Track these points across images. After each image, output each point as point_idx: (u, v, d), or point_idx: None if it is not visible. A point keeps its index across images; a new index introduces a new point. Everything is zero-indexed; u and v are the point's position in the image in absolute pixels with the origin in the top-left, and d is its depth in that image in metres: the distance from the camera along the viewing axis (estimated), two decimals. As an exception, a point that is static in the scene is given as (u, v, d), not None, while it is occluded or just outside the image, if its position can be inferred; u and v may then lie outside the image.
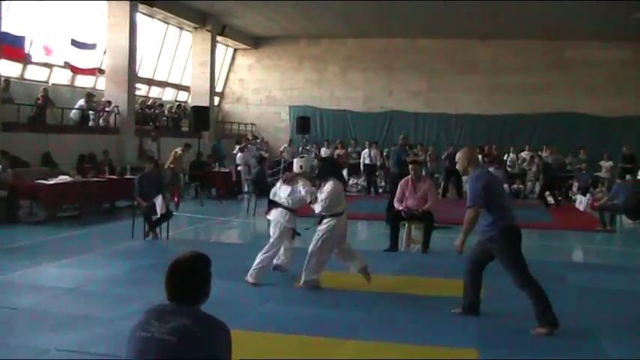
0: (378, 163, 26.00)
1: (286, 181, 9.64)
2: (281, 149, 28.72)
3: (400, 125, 29.69)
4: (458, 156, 7.81)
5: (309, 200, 9.39)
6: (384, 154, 26.23)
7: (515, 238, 7.43)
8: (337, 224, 9.12)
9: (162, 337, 3.28)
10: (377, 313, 7.94)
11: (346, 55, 31.56)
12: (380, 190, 25.30)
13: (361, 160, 26.07)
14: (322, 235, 9.10)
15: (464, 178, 7.68)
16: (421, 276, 10.17)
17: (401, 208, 12.45)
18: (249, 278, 9.26)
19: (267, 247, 9.50)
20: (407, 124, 29.84)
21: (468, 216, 7.34)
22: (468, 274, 7.72)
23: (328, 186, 9.16)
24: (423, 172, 13.57)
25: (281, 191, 9.67)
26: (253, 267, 9.32)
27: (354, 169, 26.62)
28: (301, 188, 9.45)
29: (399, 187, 12.75)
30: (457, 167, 7.88)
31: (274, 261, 9.66)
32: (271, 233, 9.59)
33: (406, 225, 12.76)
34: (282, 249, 9.73)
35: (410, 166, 12.97)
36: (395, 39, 30.49)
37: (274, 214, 9.60)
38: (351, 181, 25.94)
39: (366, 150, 25.94)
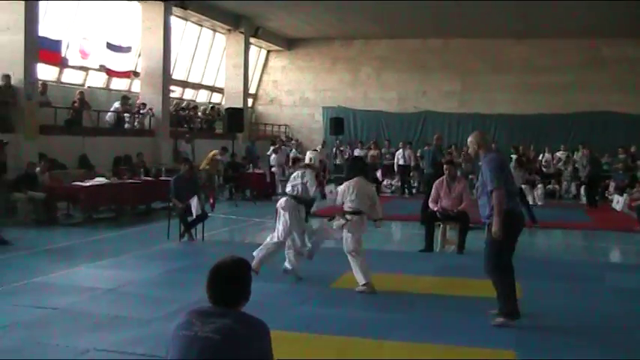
0: (412, 164, 25.92)
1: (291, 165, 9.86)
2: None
3: (434, 126, 29.49)
4: (469, 139, 7.78)
5: (313, 190, 9.54)
6: (418, 154, 26.14)
7: (512, 223, 7.34)
8: (356, 222, 9.15)
9: (205, 336, 3.34)
10: (414, 314, 7.91)
11: (380, 56, 31.51)
12: (414, 191, 25.23)
13: (395, 161, 26.01)
14: (351, 238, 9.10)
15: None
16: (457, 277, 10.11)
17: (436, 208, 12.40)
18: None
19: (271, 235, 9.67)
20: (441, 125, 29.63)
21: (498, 198, 7.23)
22: None
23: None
24: (458, 173, 13.51)
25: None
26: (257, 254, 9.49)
27: (388, 170, 26.56)
28: (306, 179, 9.56)
29: (433, 187, 12.71)
30: (469, 152, 7.90)
31: (285, 263, 9.63)
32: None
33: (441, 226, 12.72)
34: (290, 251, 9.62)
35: (444, 166, 12.90)
36: (429, 39, 30.44)
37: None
38: (385, 182, 25.91)
39: (400, 151, 25.88)
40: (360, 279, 8.95)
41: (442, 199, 12.42)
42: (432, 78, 30.67)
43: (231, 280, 3.54)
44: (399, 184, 25.67)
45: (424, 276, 10.14)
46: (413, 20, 26.81)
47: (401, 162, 25.66)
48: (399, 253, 12.70)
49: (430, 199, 12.68)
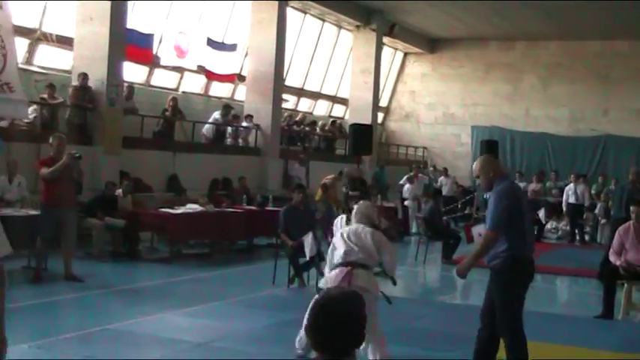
0: (587, 203, 25.27)
1: None
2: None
3: (618, 154, 28.94)
4: (477, 166, 7.74)
5: None
6: (594, 191, 25.50)
7: (523, 272, 7.42)
8: None
9: None
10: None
11: (548, 62, 31.16)
12: (587, 238, 24.62)
13: (564, 198, 25.40)
14: None
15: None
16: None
17: (619, 262, 12.04)
18: (297, 344, 8.62)
19: None
20: (626, 154, 28.98)
21: (486, 240, 7.36)
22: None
23: None
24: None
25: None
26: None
27: (554, 209, 26.00)
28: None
29: (616, 235, 12.35)
30: (480, 183, 7.91)
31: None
32: None
33: (625, 285, 12.33)
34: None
35: (631, 207, 12.51)
36: (613, 41, 29.82)
37: None
38: (549, 225, 25.39)
39: (571, 185, 25.23)
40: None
41: (628, 250, 12.04)
42: (617, 91, 30.05)
43: (347, 318, 3.41)
44: (568, 227, 25.09)
45: (601, 351, 9.81)
46: (592, 16, 26.27)
47: (571, 200, 25.00)
48: (567, 317, 12.37)
49: (611, 251, 12.33)
